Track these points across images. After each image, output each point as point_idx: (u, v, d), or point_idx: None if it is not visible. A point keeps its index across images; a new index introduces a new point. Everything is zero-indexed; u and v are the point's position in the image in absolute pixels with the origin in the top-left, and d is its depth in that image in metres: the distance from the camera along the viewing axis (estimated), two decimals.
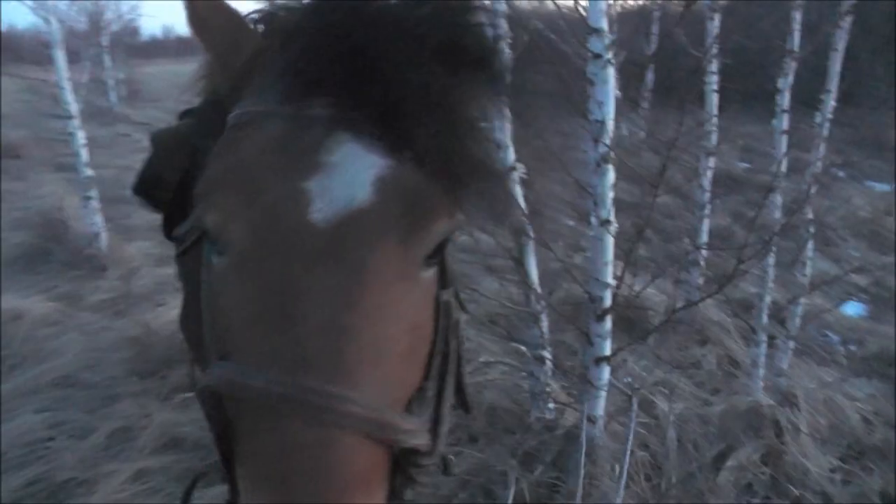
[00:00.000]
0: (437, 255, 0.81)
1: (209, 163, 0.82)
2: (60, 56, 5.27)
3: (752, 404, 2.96)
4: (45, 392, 3.63)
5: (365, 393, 0.69)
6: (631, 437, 2.17)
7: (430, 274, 0.81)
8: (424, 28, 0.80)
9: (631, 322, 3.83)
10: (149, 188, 1.74)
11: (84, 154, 5.14)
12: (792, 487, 2.76)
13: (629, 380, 3.29)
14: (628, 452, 2.18)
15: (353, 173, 0.75)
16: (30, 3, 5.27)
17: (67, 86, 5.32)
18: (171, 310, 4.00)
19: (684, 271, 3.78)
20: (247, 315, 0.73)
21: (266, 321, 0.72)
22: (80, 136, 5.30)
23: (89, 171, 5.14)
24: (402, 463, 0.77)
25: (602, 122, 2.06)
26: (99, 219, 5.13)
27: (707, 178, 3.47)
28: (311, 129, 0.78)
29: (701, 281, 3.70)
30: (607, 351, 2.30)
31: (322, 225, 0.74)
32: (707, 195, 3.49)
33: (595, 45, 2.02)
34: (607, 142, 2.06)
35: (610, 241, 2.20)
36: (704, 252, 3.73)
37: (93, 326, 4.14)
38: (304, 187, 0.75)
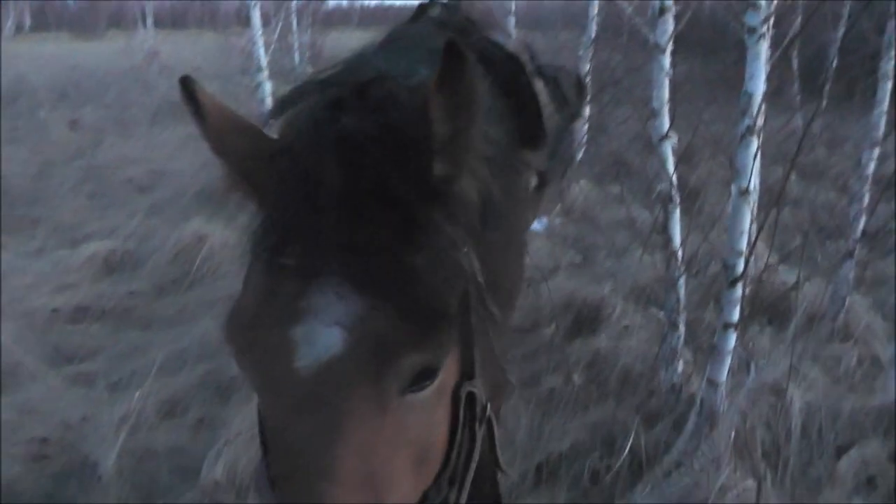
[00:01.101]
0: (430, 376, 0.86)
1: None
2: (256, 15, 5.85)
3: (885, 403, 2.91)
4: (221, 306, 4.12)
5: None
6: (743, 399, 2.24)
7: (424, 394, 0.86)
8: (378, 149, 0.86)
9: (778, 312, 3.81)
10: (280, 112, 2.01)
11: (268, 104, 5.64)
12: None
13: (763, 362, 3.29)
14: (737, 414, 2.26)
15: (326, 321, 0.82)
16: None
17: (260, 41, 5.90)
18: None
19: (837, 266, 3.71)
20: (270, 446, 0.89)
21: (276, 461, 0.86)
22: (267, 88, 5.89)
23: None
24: None
25: (750, 95, 2.13)
26: None
27: (869, 170, 3.38)
28: (290, 278, 0.84)
29: (852, 276, 3.61)
30: (735, 318, 2.38)
31: (305, 372, 0.82)
32: (867, 188, 3.40)
33: (751, 18, 2.09)
34: (754, 115, 2.14)
35: (747, 212, 2.27)
36: (859, 248, 3.63)
37: None
38: (289, 336, 0.83)
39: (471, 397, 0.94)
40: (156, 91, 11.84)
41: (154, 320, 4.18)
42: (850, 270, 3.58)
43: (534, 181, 2.06)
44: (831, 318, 3.61)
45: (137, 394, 3.17)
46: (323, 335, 0.82)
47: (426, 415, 0.88)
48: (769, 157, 5.38)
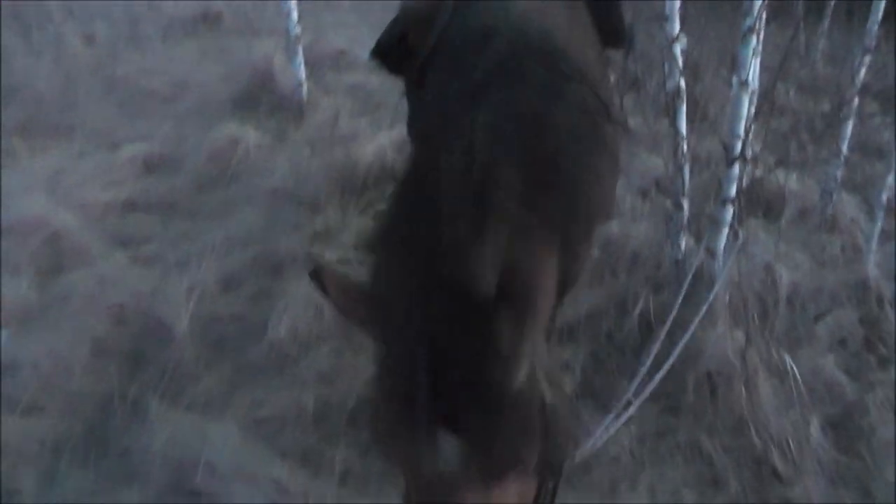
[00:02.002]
0: None
1: None
2: None
3: (860, 276, 3.33)
4: (261, 200, 4.49)
5: None
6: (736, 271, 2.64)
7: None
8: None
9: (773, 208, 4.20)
10: (386, 52, 2.30)
11: (294, 14, 5.87)
12: (882, 347, 3.16)
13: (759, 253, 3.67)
14: (726, 269, 2.66)
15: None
16: None
17: None
18: (367, 145, 4.72)
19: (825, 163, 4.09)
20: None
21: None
22: None
23: (297, 30, 5.87)
24: None
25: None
26: (303, 72, 5.90)
27: (859, 77, 3.71)
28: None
29: (840, 174, 3.98)
30: (732, 194, 2.76)
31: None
32: (855, 92, 3.74)
33: None
34: (755, 16, 2.47)
35: (745, 100, 2.63)
36: (846, 152, 3.99)
37: (298, 156, 4.97)
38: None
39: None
40: (162, 8, 11.90)
41: (199, 212, 4.53)
42: (837, 169, 3.94)
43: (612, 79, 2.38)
44: (820, 213, 4.00)
45: (201, 267, 3.57)
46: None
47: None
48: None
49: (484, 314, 0.97)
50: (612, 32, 2.17)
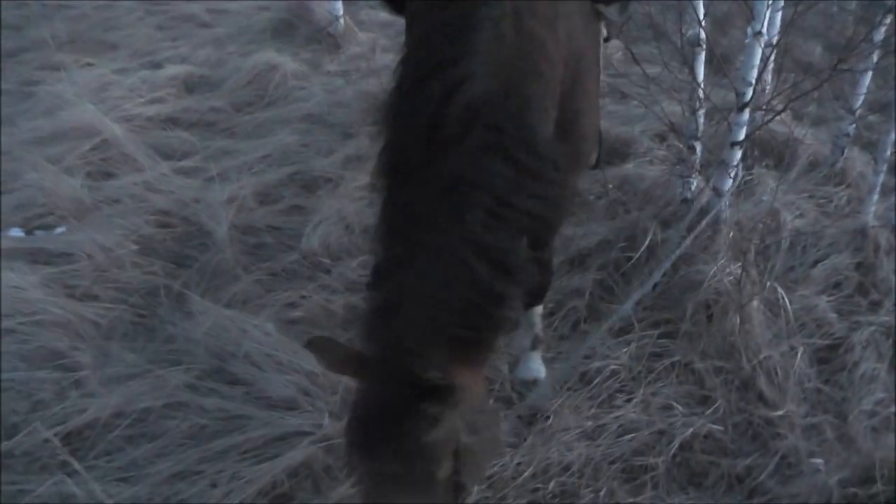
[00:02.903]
0: None
1: None
2: None
3: (860, 224, 3.51)
4: (296, 123, 4.71)
5: None
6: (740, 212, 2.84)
7: None
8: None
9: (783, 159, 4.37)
10: None
11: None
12: (875, 292, 3.37)
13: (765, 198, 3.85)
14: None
15: None
16: None
17: None
18: None
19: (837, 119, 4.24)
20: None
21: None
22: None
23: None
24: None
25: None
26: (339, 6, 6.05)
27: (879, 34, 3.82)
28: None
29: (852, 129, 4.13)
30: (741, 137, 2.95)
31: None
32: (875, 51, 3.86)
33: None
34: None
35: (758, 50, 2.81)
36: (860, 109, 4.13)
37: (332, 85, 5.17)
38: None
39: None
40: None
41: (237, 131, 4.77)
42: (851, 125, 4.09)
43: (604, 32, 2.52)
44: (829, 165, 4.17)
45: (240, 181, 3.82)
46: None
47: None
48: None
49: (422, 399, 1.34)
50: None
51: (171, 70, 5.56)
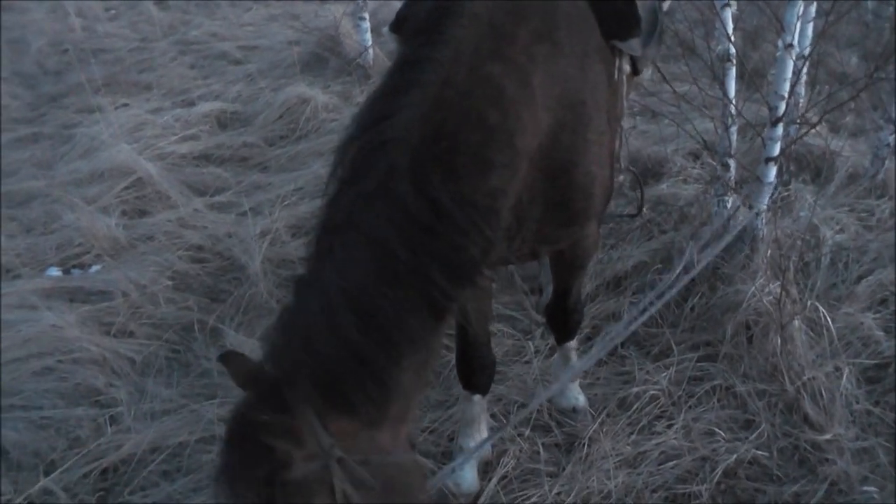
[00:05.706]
0: None
1: None
2: None
3: None
4: (328, 156, 4.73)
5: None
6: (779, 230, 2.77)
7: None
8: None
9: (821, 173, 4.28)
10: (398, 26, 2.48)
11: None
12: None
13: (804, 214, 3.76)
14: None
15: None
16: None
17: None
18: None
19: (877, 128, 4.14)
20: None
21: None
22: None
23: None
24: None
25: None
26: (368, 37, 6.12)
27: None
28: None
29: (893, 140, 4.03)
30: (776, 153, 2.89)
31: None
32: None
33: None
34: None
35: (790, 63, 2.75)
36: None
37: None
38: None
39: None
40: None
41: (269, 166, 4.83)
42: (890, 135, 3.99)
43: (627, 68, 2.42)
44: (870, 177, 4.07)
45: (273, 215, 3.85)
46: None
47: None
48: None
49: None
50: (617, 22, 2.14)
51: (204, 107, 5.66)
